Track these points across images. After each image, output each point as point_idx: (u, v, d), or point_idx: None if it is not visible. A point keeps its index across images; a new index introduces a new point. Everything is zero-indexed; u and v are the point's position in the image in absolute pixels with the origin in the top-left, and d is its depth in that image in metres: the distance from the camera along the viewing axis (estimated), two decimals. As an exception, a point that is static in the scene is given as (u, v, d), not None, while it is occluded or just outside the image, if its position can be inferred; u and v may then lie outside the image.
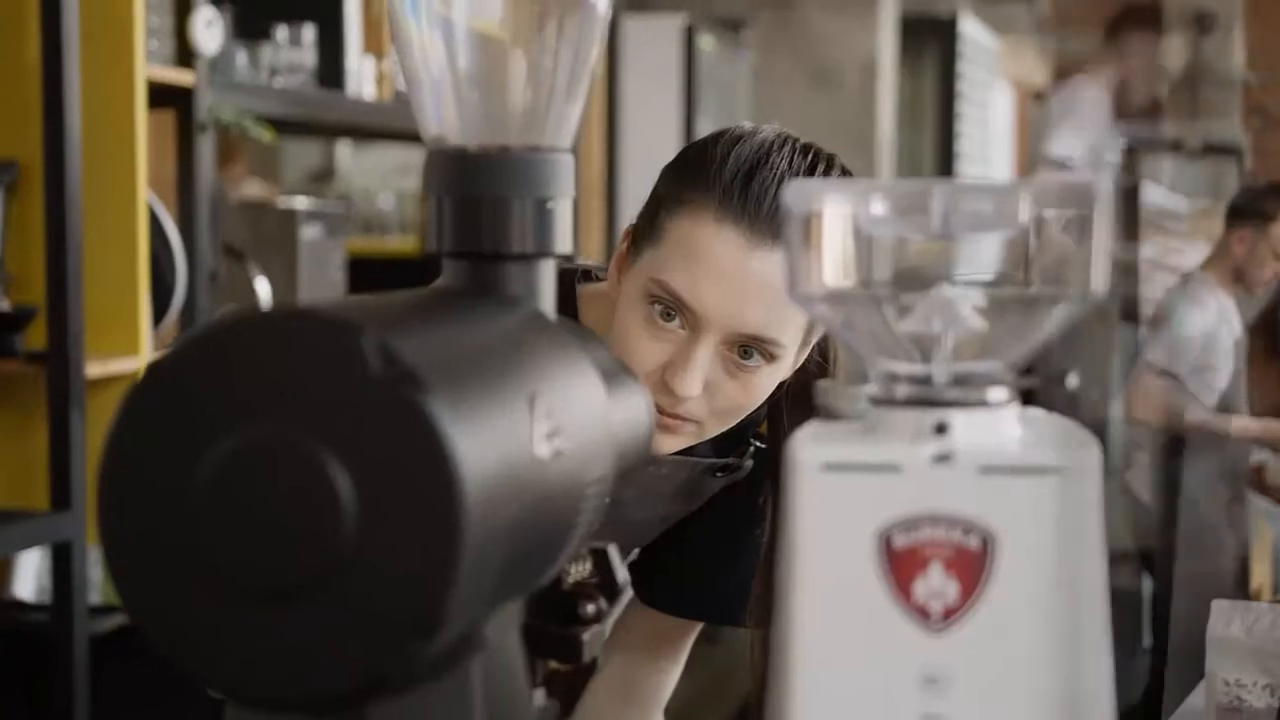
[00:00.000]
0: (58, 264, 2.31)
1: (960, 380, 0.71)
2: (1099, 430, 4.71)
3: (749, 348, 1.27)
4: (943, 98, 7.33)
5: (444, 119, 0.82)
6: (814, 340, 1.34)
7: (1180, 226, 6.82)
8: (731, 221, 1.24)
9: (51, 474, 2.31)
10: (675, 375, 1.26)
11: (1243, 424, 4.31)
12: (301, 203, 3.12)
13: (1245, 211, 4.36)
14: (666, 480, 1.41)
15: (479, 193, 0.80)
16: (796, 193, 0.71)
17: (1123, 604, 4.83)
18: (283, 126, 3.13)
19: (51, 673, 2.34)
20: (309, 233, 3.03)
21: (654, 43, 5.16)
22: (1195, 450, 4.22)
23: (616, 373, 0.85)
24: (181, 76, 2.62)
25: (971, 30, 7.45)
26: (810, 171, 1.29)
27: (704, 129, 6.35)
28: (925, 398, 0.70)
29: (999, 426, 0.70)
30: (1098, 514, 0.68)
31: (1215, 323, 4.27)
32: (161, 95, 2.60)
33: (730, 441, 1.42)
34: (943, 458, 0.68)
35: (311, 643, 0.61)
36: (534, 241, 0.80)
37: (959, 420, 0.69)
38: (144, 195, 2.47)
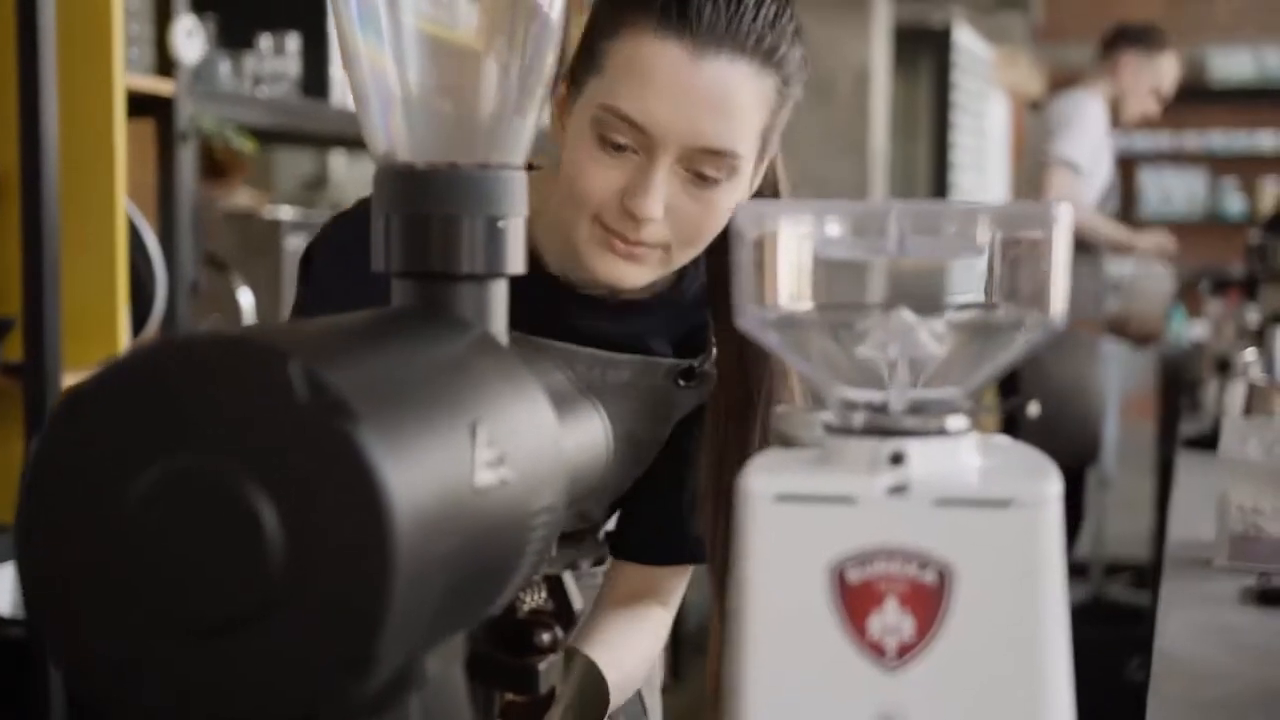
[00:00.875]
0: (34, 275, 2.28)
1: (918, 408, 0.69)
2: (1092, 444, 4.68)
3: (705, 167, 1.23)
4: (937, 107, 7.32)
5: (392, 135, 0.79)
6: (770, 155, 1.31)
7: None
8: (674, 35, 1.21)
9: (26, 488, 2.28)
10: (634, 198, 1.23)
11: (1115, 231, 4.47)
12: (287, 213, 3.10)
13: (1134, 39, 4.43)
14: (630, 390, 1.38)
15: (428, 211, 0.77)
16: (747, 214, 0.68)
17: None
18: (267, 136, 3.10)
19: (29, 687, 2.32)
20: (294, 243, 3.01)
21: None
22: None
23: (570, 396, 0.83)
24: (162, 86, 2.59)
25: (966, 40, 7.44)
26: None
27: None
28: (881, 426, 0.68)
29: (957, 456, 0.68)
30: (1057, 546, 0.66)
31: (1102, 131, 4.37)
32: (142, 104, 2.57)
33: (690, 349, 1.40)
34: (898, 489, 0.65)
35: (240, 680, 0.59)
36: (484, 261, 0.78)
37: (916, 450, 0.67)
38: (123, 205, 2.44)
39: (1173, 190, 10.16)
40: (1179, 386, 4.79)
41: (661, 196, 1.23)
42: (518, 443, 0.70)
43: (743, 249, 0.68)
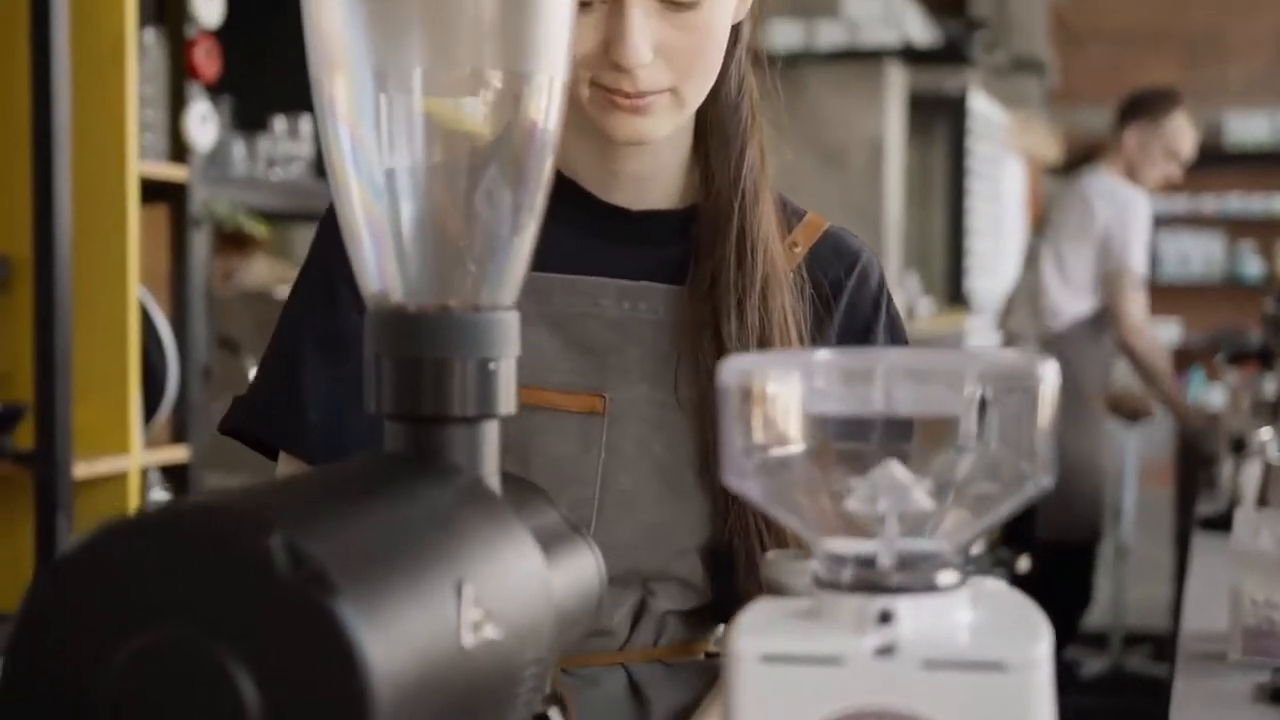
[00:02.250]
0: (46, 362, 2.29)
1: (907, 562, 0.68)
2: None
3: None
4: (952, 173, 7.33)
5: (385, 276, 0.79)
6: None
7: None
8: None
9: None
10: (617, 50, 1.14)
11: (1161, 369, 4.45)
12: (300, 292, 3.10)
13: (1136, 111, 4.47)
14: (663, 328, 1.24)
15: (419, 353, 0.77)
16: (732, 368, 0.68)
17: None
18: (281, 216, 3.12)
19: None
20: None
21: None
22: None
23: (561, 534, 0.82)
24: (175, 172, 2.61)
25: (981, 106, 7.45)
26: None
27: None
28: (870, 582, 0.67)
29: (948, 613, 0.67)
30: (1049, 708, 0.65)
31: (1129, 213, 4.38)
32: (156, 190, 2.59)
33: None
34: (886, 650, 0.65)
35: None
36: (476, 403, 0.78)
37: (905, 607, 0.66)
38: (135, 292, 2.45)
39: (1190, 253, 10.14)
40: (1196, 458, 4.76)
41: (645, 38, 1.14)
42: (506, 596, 0.69)
43: (728, 402, 0.68)
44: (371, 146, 0.78)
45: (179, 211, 2.62)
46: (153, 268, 2.61)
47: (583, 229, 1.26)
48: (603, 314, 1.24)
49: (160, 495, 2.70)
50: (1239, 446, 3.18)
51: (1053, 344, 4.39)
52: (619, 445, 1.21)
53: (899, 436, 0.69)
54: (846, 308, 1.28)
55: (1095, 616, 5.95)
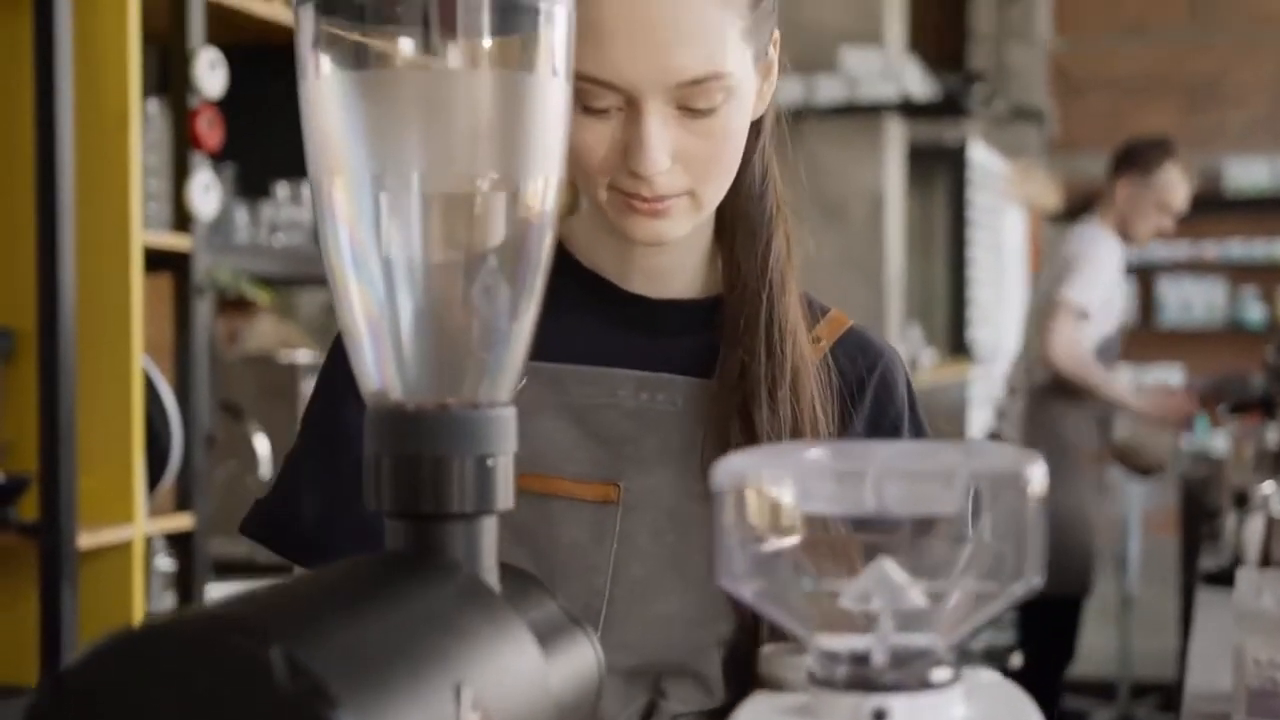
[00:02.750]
0: (51, 433, 2.30)
1: (901, 659, 0.69)
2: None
3: (695, 100, 1.13)
4: (953, 224, 7.36)
5: (384, 375, 0.80)
6: (771, 48, 1.22)
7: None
8: None
9: (42, 649, 2.28)
10: (634, 158, 1.13)
11: (1118, 393, 4.40)
12: (304, 356, 3.12)
13: (1126, 163, 4.48)
14: (683, 419, 1.23)
15: (418, 451, 0.78)
16: (726, 471, 0.69)
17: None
18: (284, 281, 3.14)
19: None
20: (310, 387, 3.02)
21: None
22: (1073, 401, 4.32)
23: (559, 626, 0.83)
24: (179, 241, 2.63)
25: (980, 156, 7.49)
26: None
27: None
28: (864, 679, 0.68)
29: (942, 710, 0.68)
30: (1043, 807, 0.66)
31: (1115, 270, 4.39)
32: (159, 259, 2.61)
33: None
34: (880, 750, 0.65)
35: None
36: (474, 500, 0.79)
37: (899, 706, 0.67)
38: (139, 362, 2.47)
39: (1192, 299, 10.16)
40: (1200, 509, 4.75)
41: (662, 146, 1.13)
42: (503, 695, 0.70)
43: (722, 503, 0.69)
44: (370, 247, 0.80)
45: (182, 280, 2.63)
46: (156, 336, 2.63)
47: (604, 318, 1.27)
48: (621, 404, 1.24)
49: (165, 563, 2.71)
50: (1241, 500, 3.18)
51: (1039, 395, 4.40)
52: (633, 535, 1.20)
53: (892, 534, 0.70)
54: (872, 406, 1.28)
55: (1103, 666, 5.93)
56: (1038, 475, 0.68)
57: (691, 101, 1.13)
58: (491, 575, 0.79)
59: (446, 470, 0.78)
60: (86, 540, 2.38)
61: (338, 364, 1.27)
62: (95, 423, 2.43)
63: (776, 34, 1.23)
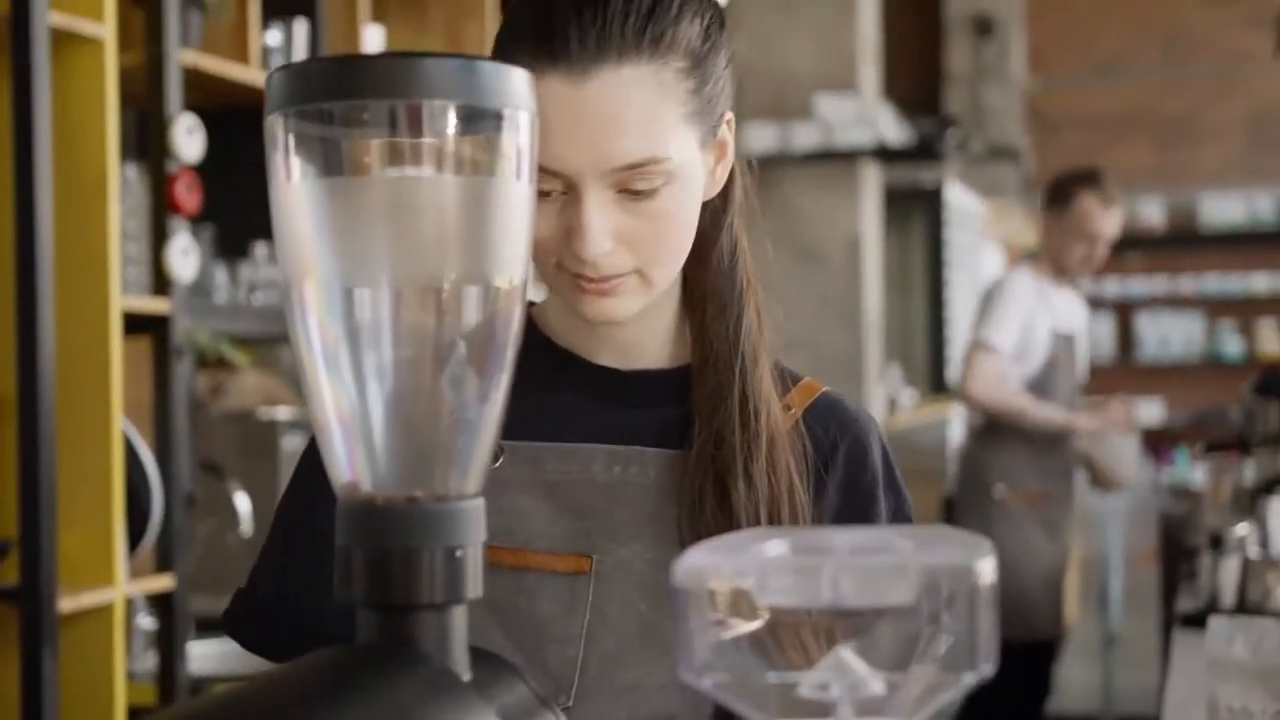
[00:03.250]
0: (31, 498, 2.31)
1: (860, 748, 0.71)
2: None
3: (635, 183, 1.15)
4: (931, 264, 7.40)
5: (354, 469, 0.83)
6: (719, 129, 1.22)
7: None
8: (550, 68, 1.13)
9: (24, 715, 2.29)
10: (576, 242, 1.15)
11: (1048, 413, 4.31)
12: (284, 413, 3.13)
13: (1050, 198, 4.50)
14: (652, 492, 1.24)
15: (388, 544, 0.80)
16: (687, 569, 0.71)
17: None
18: (265, 339, 3.16)
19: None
20: (292, 443, 3.04)
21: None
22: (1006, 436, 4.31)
23: (529, 710, 0.85)
24: (158, 305, 2.65)
25: (957, 197, 7.54)
26: None
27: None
28: (825, 768, 0.70)
29: (899, 798, 0.70)
30: None
31: (1032, 309, 4.35)
32: (139, 322, 2.62)
33: None
34: (838, 841, 0.67)
35: None
36: (444, 590, 0.81)
37: (857, 795, 0.69)
38: (119, 425, 2.48)
39: (1170, 334, 10.23)
40: (1179, 547, 4.78)
41: (602, 229, 1.15)
42: (474, 788, 0.72)
43: (682, 599, 0.71)
44: (340, 345, 0.82)
45: (162, 343, 2.65)
46: (136, 397, 2.64)
47: (576, 393, 1.28)
48: (594, 478, 1.25)
49: (146, 622, 2.71)
50: (1216, 542, 3.21)
51: (973, 438, 4.43)
52: (604, 606, 1.22)
53: (849, 625, 0.73)
54: (844, 472, 1.29)
55: (1085, 702, 5.94)
56: (987, 568, 0.70)
57: (631, 184, 1.15)
58: (461, 663, 0.81)
59: (416, 562, 0.80)
60: (67, 604, 2.39)
61: (313, 465, 1.27)
62: (76, 486, 2.44)
63: (730, 115, 1.24)
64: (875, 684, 0.71)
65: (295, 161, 0.80)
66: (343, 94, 0.79)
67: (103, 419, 2.46)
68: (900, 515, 1.32)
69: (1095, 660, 5.95)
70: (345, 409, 0.82)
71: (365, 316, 0.81)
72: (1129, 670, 5.63)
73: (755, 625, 0.73)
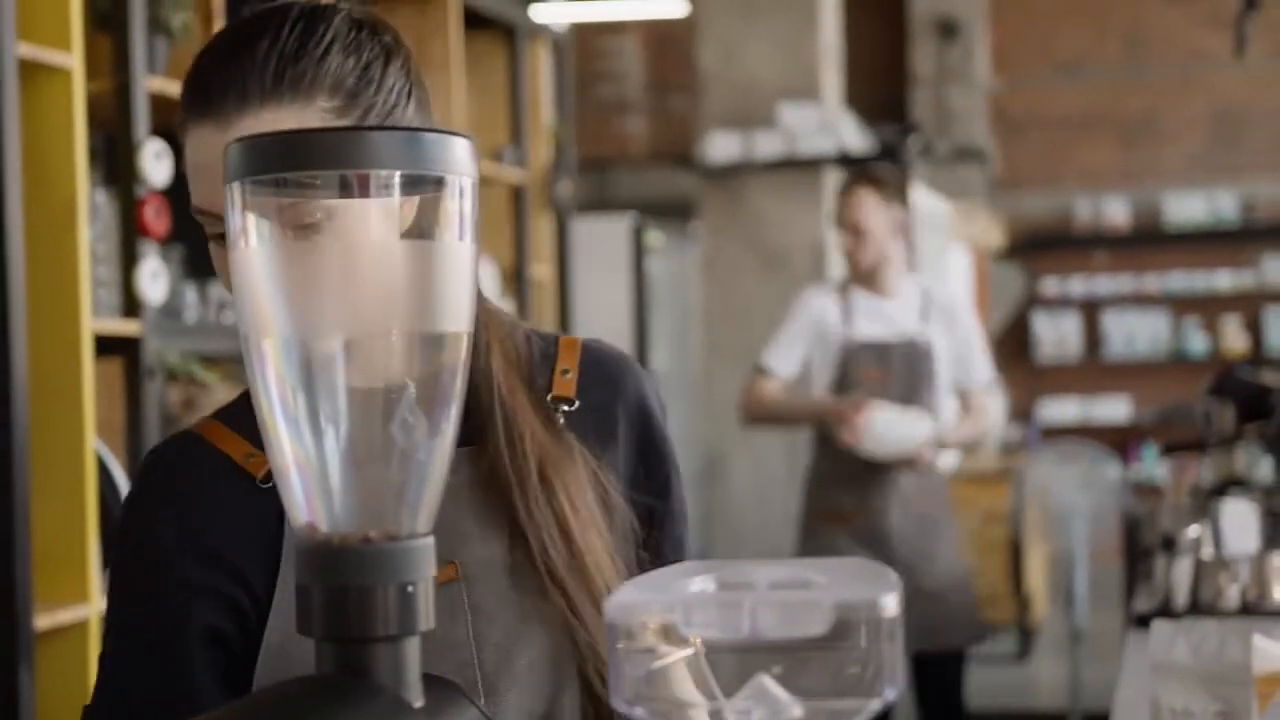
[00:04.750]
0: (5, 519, 2.36)
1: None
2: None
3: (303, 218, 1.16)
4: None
5: (312, 510, 0.89)
6: None
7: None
8: (200, 117, 1.20)
9: (0, 731, 2.34)
10: None
11: (800, 402, 4.13)
12: (254, 427, 3.18)
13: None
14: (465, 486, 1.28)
15: (345, 582, 0.86)
16: (618, 605, 0.77)
17: None
18: (235, 357, 3.21)
19: None
20: (261, 457, 3.09)
21: (604, 240, 5.31)
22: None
23: (482, 734, 0.91)
24: (128, 327, 2.70)
25: (922, 199, 7.61)
26: (264, 21, 1.22)
27: (656, 319, 6.52)
28: (745, 788, 0.76)
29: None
30: None
31: (812, 327, 4.12)
32: (109, 344, 2.67)
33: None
34: None
35: None
36: (397, 623, 0.87)
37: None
38: (91, 445, 2.53)
39: (1136, 331, 10.34)
40: (1141, 543, 4.85)
41: None
42: (424, 809, 0.78)
43: (614, 634, 0.77)
44: (296, 397, 0.88)
45: (133, 364, 2.70)
46: (108, 418, 2.69)
47: None
48: None
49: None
50: (1169, 544, 3.28)
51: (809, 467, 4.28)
52: (481, 605, 1.27)
53: (768, 654, 0.79)
54: (628, 417, 1.35)
55: (1053, 699, 6.03)
56: (892, 601, 0.76)
57: (298, 223, 1.17)
58: (415, 691, 0.87)
59: (371, 598, 0.86)
60: (43, 621, 2.44)
61: (155, 535, 1.27)
62: (50, 506, 2.49)
63: None
64: (794, 709, 0.78)
65: (252, 226, 0.86)
66: (296, 165, 0.86)
67: (75, 439, 2.51)
68: (676, 469, 1.38)
69: (1063, 655, 6.03)
70: (302, 455, 0.88)
71: (319, 368, 0.87)
72: (1096, 664, 5.71)
73: (682, 655, 0.79)
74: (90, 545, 2.53)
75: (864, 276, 4.15)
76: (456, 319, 0.88)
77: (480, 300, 1.31)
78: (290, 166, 0.86)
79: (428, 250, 0.88)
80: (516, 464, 1.28)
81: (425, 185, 0.87)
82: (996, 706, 5.84)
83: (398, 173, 0.86)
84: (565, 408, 1.32)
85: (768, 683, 0.78)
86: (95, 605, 2.56)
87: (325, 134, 0.87)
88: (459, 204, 0.88)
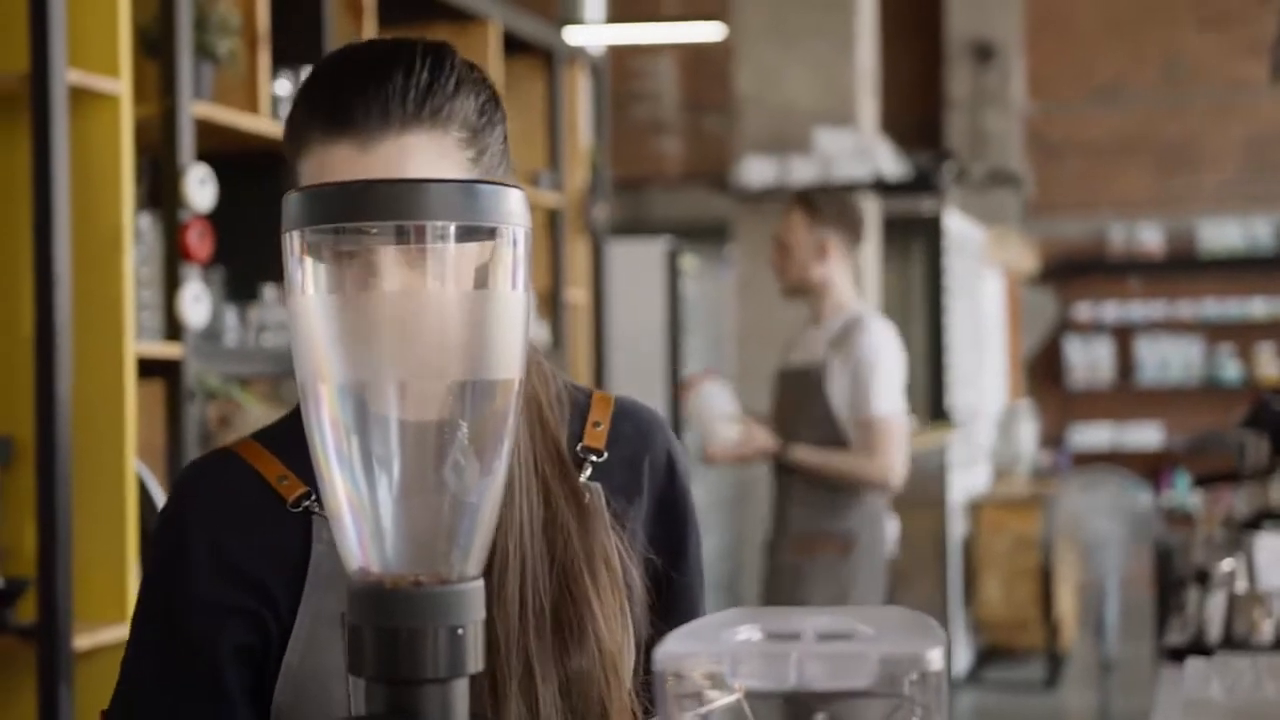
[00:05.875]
0: (48, 539, 2.39)
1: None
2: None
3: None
4: (931, 291, 7.47)
5: (365, 554, 0.90)
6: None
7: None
8: (338, 135, 1.21)
9: (40, 750, 2.37)
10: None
11: (805, 454, 3.96)
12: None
13: None
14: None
15: (396, 624, 0.88)
16: (666, 654, 0.79)
17: None
18: (274, 376, 3.24)
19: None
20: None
21: (639, 263, 5.33)
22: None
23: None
24: (170, 350, 2.73)
25: (956, 225, 7.61)
26: (394, 50, 1.25)
27: (690, 343, 6.53)
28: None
29: None
30: None
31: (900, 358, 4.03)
32: (151, 366, 2.70)
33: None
34: None
35: None
36: (447, 666, 0.88)
37: None
38: (132, 467, 2.56)
39: (1169, 357, 10.30)
40: (1172, 572, 4.83)
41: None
42: None
43: (661, 685, 0.78)
44: (351, 440, 0.90)
45: (174, 386, 2.73)
46: (148, 439, 2.72)
47: None
48: None
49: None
50: (1203, 577, 3.27)
51: None
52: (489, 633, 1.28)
53: (814, 703, 0.80)
54: (654, 475, 1.37)
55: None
56: (937, 654, 0.77)
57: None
58: (464, 736, 0.89)
59: (421, 640, 0.88)
60: (83, 641, 2.46)
61: (186, 551, 1.28)
62: (91, 527, 2.51)
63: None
64: (836, 754, 0.79)
65: (310, 275, 0.88)
66: (355, 215, 0.87)
67: (117, 461, 2.54)
68: (696, 533, 1.39)
69: (1090, 683, 6.01)
70: (356, 498, 0.90)
71: (374, 414, 0.89)
72: (1127, 694, 5.69)
73: (726, 702, 0.80)
74: (130, 566, 2.56)
75: (795, 296, 4.13)
76: (509, 366, 0.90)
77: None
78: (349, 217, 0.88)
79: (482, 299, 0.90)
80: (521, 510, 1.28)
81: (480, 235, 0.89)
82: (1024, 734, 5.83)
83: (453, 224, 0.88)
84: (594, 459, 1.33)
85: (816, 727, 0.79)
86: (134, 625, 2.59)
87: (383, 185, 0.89)
88: (513, 253, 0.90)
